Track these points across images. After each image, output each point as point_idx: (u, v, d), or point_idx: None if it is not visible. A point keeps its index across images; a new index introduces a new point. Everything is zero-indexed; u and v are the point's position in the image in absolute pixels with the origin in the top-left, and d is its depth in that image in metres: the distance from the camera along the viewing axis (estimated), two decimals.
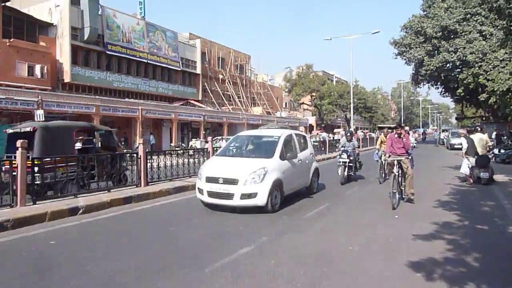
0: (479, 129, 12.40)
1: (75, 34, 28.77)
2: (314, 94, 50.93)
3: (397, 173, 8.43)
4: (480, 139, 11.79)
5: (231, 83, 45.79)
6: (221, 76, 44.71)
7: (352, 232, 6.29)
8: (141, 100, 32.59)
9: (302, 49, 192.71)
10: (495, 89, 21.10)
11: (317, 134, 31.13)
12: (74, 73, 28.44)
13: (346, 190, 10.71)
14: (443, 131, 43.89)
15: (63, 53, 28.20)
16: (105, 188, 9.55)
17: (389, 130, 12.07)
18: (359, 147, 12.66)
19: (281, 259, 4.96)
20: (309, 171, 9.73)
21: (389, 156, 8.89)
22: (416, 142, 32.01)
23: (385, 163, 9.87)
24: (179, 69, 38.39)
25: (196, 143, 31.09)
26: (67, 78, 28.05)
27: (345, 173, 11.73)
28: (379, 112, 70.05)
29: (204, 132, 36.90)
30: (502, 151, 18.72)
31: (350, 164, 11.89)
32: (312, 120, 59.04)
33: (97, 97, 27.29)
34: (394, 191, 8.10)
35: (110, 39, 30.86)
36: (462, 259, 4.94)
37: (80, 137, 11.53)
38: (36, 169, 8.12)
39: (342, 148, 12.32)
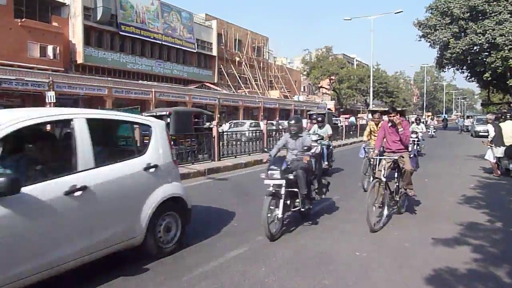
0: (508, 116, 11.25)
1: (88, 14, 28.29)
2: (333, 77, 49.46)
3: (384, 178, 5.75)
4: None
5: (248, 65, 44.83)
6: (237, 59, 43.80)
7: (361, 233, 5.50)
8: (155, 82, 32.05)
9: (322, 32, 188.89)
10: None
11: (345, 119, 28.98)
12: (87, 54, 28.06)
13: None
14: (467, 117, 41.90)
15: (75, 34, 27.80)
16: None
17: (382, 117, 8.42)
18: (321, 137, 8.74)
19: (275, 266, 4.25)
20: (134, 209, 4.14)
21: (383, 152, 6.33)
22: (435, 130, 29.01)
23: (373, 163, 6.50)
24: (195, 51, 37.66)
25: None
26: (79, 59, 27.71)
27: (279, 213, 5.19)
28: (401, 97, 67.95)
29: (219, 115, 36.29)
30: None
31: (291, 190, 5.48)
32: (331, 105, 57.59)
33: (109, 78, 26.91)
34: (378, 205, 5.64)
35: (123, 20, 30.27)
36: (491, 272, 4.12)
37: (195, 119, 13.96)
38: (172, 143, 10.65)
39: (274, 156, 5.98)
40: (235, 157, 12.61)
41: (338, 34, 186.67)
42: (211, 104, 35.43)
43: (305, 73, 52.89)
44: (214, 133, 11.67)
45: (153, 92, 28.73)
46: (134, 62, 31.67)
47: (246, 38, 45.76)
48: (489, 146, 10.95)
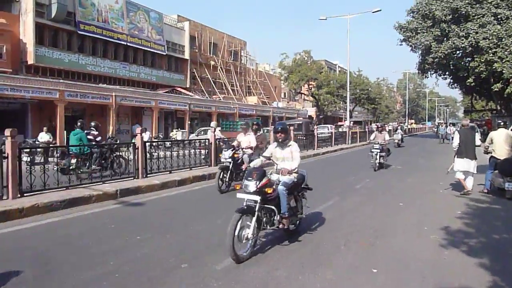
0: (501, 123, 9.33)
1: (41, 11, 25.75)
2: (312, 83, 47.56)
3: None
4: (506, 136, 8.75)
5: (224, 70, 42.66)
6: (212, 63, 41.57)
7: None
8: (118, 86, 29.56)
9: (305, 39, 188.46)
10: None
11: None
12: (39, 54, 25.46)
13: None
14: (451, 124, 40.35)
15: (26, 32, 25.20)
16: None
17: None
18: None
19: None
20: None
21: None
22: (383, 155, 13.53)
23: None
24: (164, 54, 35.29)
25: (177, 134, 28.31)
26: (30, 60, 25.07)
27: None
28: (383, 104, 66.67)
29: (189, 122, 34.01)
30: None
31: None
32: (312, 112, 55.75)
33: (61, 80, 24.29)
34: None
35: (82, 18, 27.80)
36: None
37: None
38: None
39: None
40: (170, 173, 10.23)
41: (320, 41, 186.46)
42: (181, 110, 33.12)
43: (282, 78, 50.91)
44: (138, 143, 9.11)
45: (114, 97, 26.22)
46: (95, 64, 29.08)
47: (222, 41, 43.65)
48: (455, 159, 9.13)
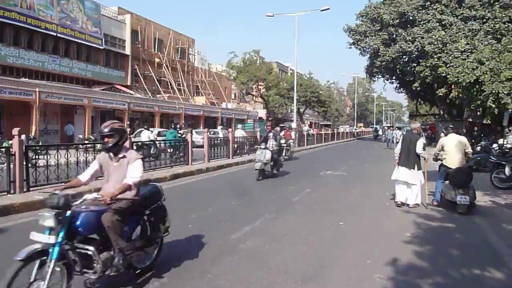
0: (452, 127, 8.33)
1: None
2: (261, 83, 46.38)
3: None
4: (458, 142, 7.72)
5: (170, 68, 40.37)
6: (157, 60, 39.17)
7: None
8: (44, 81, 26.53)
9: (259, 42, 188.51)
10: (460, 80, 17.58)
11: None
12: None
13: None
14: (398, 128, 40.73)
15: None
16: None
17: None
18: None
19: None
20: None
21: None
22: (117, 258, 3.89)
23: None
24: (102, 48, 32.47)
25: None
26: None
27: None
28: (333, 107, 67.15)
29: (129, 122, 31.47)
30: None
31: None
32: (262, 113, 54.65)
33: None
34: None
35: (2, 3, 24.56)
36: None
37: None
38: None
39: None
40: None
41: (275, 44, 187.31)
42: (119, 109, 30.51)
43: (231, 78, 49.36)
44: (15, 147, 7.00)
45: (37, 93, 23.28)
46: (17, 55, 25.83)
47: (168, 37, 41.27)
48: (397, 167, 8.16)
